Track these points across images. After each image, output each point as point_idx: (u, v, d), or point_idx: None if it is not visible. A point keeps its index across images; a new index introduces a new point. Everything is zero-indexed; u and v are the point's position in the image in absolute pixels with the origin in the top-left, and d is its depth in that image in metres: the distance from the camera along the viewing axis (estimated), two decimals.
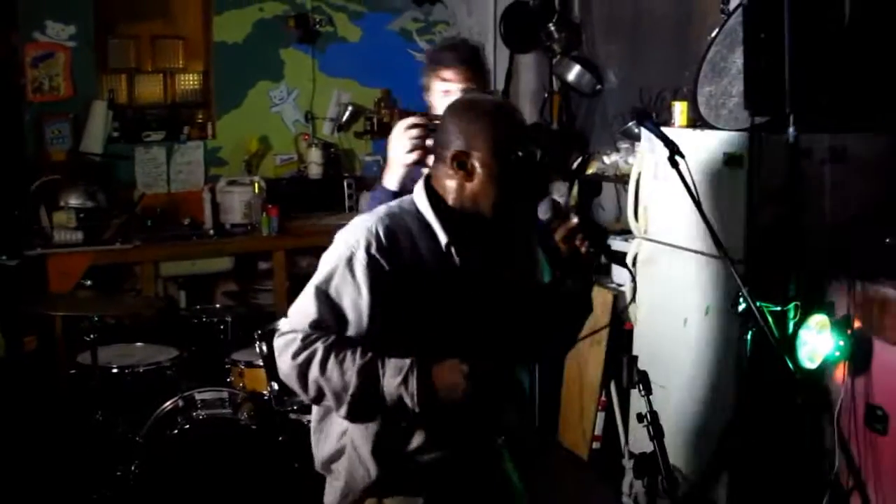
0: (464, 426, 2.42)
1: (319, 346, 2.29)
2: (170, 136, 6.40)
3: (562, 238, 2.42)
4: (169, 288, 6.15)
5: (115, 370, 4.41)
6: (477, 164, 2.33)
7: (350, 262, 2.31)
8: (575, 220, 2.39)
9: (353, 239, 2.33)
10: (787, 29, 3.61)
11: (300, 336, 2.31)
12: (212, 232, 6.13)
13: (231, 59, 6.52)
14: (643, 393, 2.58)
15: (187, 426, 3.89)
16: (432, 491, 2.44)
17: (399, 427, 2.38)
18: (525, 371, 2.61)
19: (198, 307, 5.74)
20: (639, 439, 4.75)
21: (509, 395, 2.54)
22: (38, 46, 5.97)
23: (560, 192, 2.11)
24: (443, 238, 2.36)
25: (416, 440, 2.39)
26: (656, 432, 2.54)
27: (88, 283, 4.87)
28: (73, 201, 5.66)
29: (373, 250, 2.30)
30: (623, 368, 2.69)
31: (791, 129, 3.71)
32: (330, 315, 2.33)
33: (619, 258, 2.54)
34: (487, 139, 2.32)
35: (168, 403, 4.07)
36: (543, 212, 2.38)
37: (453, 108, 2.41)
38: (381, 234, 2.32)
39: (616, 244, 5.25)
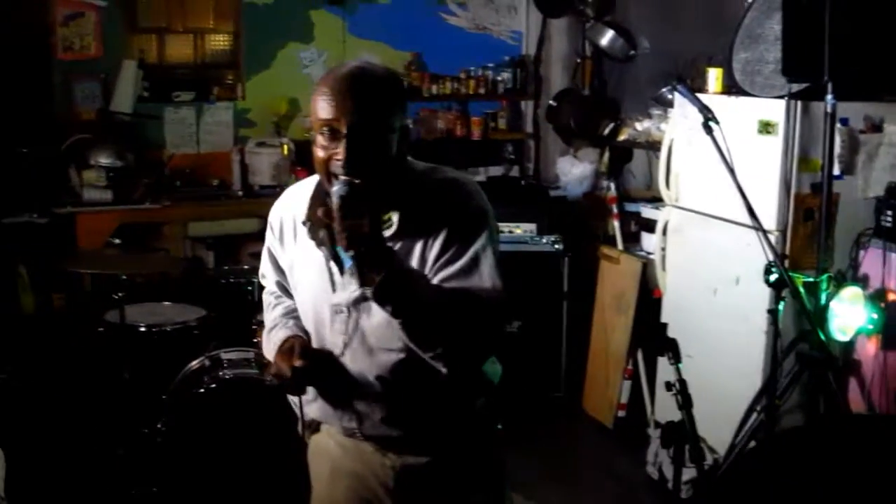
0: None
1: (265, 302, 2.56)
2: (199, 97, 6.39)
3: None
4: (196, 248, 6.17)
5: (142, 329, 4.42)
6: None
7: (267, 230, 2.47)
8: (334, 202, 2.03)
9: None
10: None
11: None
12: (240, 193, 6.14)
13: (261, 19, 6.48)
14: (672, 361, 2.54)
15: (213, 385, 3.90)
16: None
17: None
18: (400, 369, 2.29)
19: (225, 267, 5.74)
20: (665, 408, 4.73)
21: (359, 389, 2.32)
22: (67, 5, 5.95)
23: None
24: (301, 215, 2.28)
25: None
26: (685, 401, 2.51)
27: (117, 241, 4.88)
28: (103, 160, 5.67)
29: (271, 221, 2.43)
30: (651, 336, 2.65)
31: (829, 97, 3.65)
32: (262, 273, 2.58)
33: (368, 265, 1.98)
34: (313, 114, 2.15)
35: (194, 362, 4.07)
36: (334, 192, 2.04)
37: None
38: (275, 211, 2.43)
39: (646, 212, 5.22)
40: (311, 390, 2.37)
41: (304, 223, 2.27)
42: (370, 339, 2.24)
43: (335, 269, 2.24)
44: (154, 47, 6.41)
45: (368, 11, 6.73)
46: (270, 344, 2.40)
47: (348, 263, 2.19)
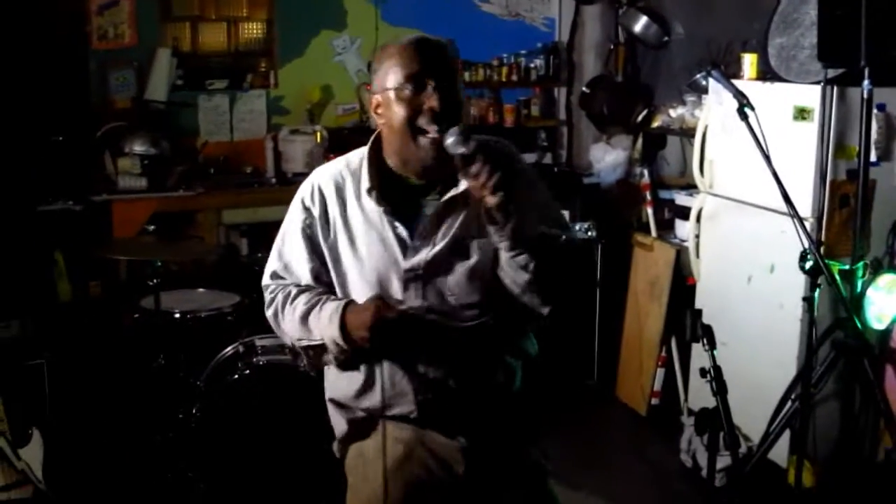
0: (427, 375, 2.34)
1: (279, 297, 2.41)
2: (233, 85, 6.41)
3: (462, 174, 2.13)
4: (231, 235, 6.19)
5: (177, 315, 4.45)
6: (383, 107, 2.26)
7: (293, 216, 2.42)
8: (461, 149, 2.08)
9: (298, 193, 2.43)
10: None
11: (269, 290, 2.46)
12: (273, 180, 6.16)
13: (294, 7, 6.49)
14: (707, 347, 2.53)
15: (247, 371, 3.92)
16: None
17: (351, 380, 2.39)
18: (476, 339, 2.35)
19: (259, 255, 5.77)
20: (698, 396, 4.72)
21: (441, 355, 2.34)
22: None
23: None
24: (365, 183, 2.30)
25: (358, 387, 2.40)
26: (720, 387, 2.49)
27: (152, 228, 4.92)
28: (138, 148, 5.71)
29: (306, 204, 2.39)
30: (686, 323, 2.64)
31: (866, 83, 3.62)
32: (283, 267, 2.45)
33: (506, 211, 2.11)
34: (386, 80, 2.23)
35: (229, 349, 4.10)
36: (453, 143, 2.11)
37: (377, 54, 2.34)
38: (314, 188, 2.39)
39: (680, 199, 5.18)
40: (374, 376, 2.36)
41: (369, 191, 2.29)
42: (450, 297, 2.29)
43: (405, 233, 2.28)
44: (188, 35, 6.43)
45: None
46: (320, 319, 2.29)
47: (425, 221, 2.27)
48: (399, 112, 2.20)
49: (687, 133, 5.47)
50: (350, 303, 2.28)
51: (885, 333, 4.02)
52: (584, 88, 6.64)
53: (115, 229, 5.48)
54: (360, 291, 2.33)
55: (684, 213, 4.98)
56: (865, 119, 3.71)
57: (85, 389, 4.82)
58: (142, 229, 5.30)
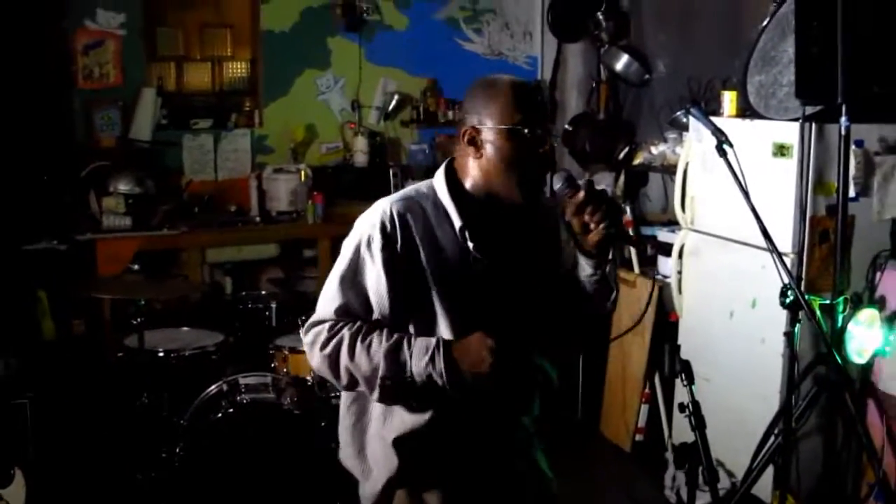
0: (491, 410, 2.38)
1: (346, 333, 2.31)
2: (217, 124, 6.44)
3: (571, 214, 2.25)
4: (215, 274, 6.20)
5: (161, 354, 4.45)
6: (485, 141, 2.31)
7: (368, 244, 2.33)
8: (581, 194, 2.22)
9: (368, 222, 2.36)
10: (841, 17, 3.55)
11: (327, 326, 2.35)
12: (258, 219, 6.17)
13: (278, 47, 6.54)
14: (685, 382, 2.54)
15: (231, 410, 3.91)
16: (458, 479, 2.41)
17: (421, 415, 2.36)
18: (550, 362, 2.51)
19: (243, 293, 5.78)
20: (682, 432, 4.72)
21: (535, 383, 2.48)
22: (88, 34, 6.03)
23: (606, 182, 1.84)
24: (457, 222, 2.33)
25: (439, 427, 2.36)
26: (698, 422, 2.51)
27: (136, 267, 4.92)
28: (122, 187, 5.72)
29: (388, 231, 2.32)
30: (666, 358, 2.67)
31: (843, 119, 3.66)
32: (355, 300, 2.35)
33: (628, 237, 2.34)
34: (496, 115, 2.29)
35: (212, 387, 4.09)
36: (559, 186, 2.29)
37: (474, 86, 2.39)
38: (395, 215, 2.33)
39: (662, 235, 5.21)
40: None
41: (461, 230, 2.33)
42: (534, 323, 2.39)
43: (488, 263, 2.34)
44: (173, 75, 6.48)
45: (385, 38, 6.79)
46: (413, 354, 2.26)
47: (508, 249, 2.38)
48: (509, 151, 2.30)
49: (669, 170, 5.52)
50: (445, 340, 2.27)
51: (867, 368, 4.04)
52: (566, 126, 6.69)
53: (99, 268, 5.48)
54: (445, 320, 2.32)
55: (666, 249, 5.01)
56: (844, 155, 3.75)
57: (68, 428, 4.79)
58: (126, 268, 5.29)
